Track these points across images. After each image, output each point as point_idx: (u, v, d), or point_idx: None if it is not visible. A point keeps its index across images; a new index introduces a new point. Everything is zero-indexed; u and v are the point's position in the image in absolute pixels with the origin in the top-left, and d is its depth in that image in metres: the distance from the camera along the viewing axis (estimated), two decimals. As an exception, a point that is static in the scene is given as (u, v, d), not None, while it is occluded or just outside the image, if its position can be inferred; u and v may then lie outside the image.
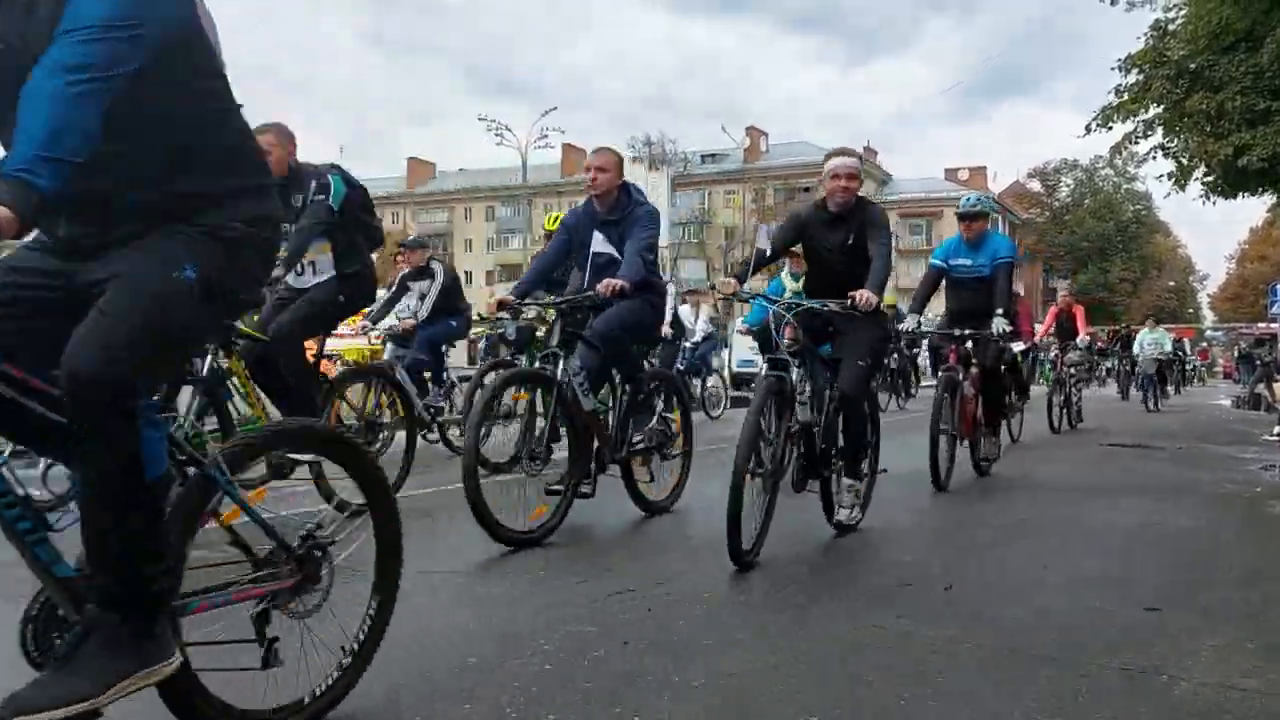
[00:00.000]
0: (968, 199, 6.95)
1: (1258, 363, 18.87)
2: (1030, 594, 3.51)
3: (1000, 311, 6.24)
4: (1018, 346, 8.93)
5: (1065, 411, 11.26)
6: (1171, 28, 13.00)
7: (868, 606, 3.29)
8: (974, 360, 6.61)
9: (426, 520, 4.49)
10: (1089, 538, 4.65)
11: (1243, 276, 62.77)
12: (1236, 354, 31.24)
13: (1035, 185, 66.32)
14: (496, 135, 34.79)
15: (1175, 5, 12.98)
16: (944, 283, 6.90)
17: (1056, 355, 11.74)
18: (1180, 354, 24.13)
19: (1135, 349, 17.70)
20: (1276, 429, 10.98)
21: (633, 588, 3.44)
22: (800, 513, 4.46)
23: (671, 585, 3.51)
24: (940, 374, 6.61)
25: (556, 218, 6.46)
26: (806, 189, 55.44)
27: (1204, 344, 42.75)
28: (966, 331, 6.47)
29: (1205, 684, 2.56)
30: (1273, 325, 24.82)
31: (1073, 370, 11.58)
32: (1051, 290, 68.64)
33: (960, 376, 6.40)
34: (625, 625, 3.00)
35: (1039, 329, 12.23)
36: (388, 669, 2.57)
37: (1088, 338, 12.49)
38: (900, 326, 7.53)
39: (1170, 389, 20.63)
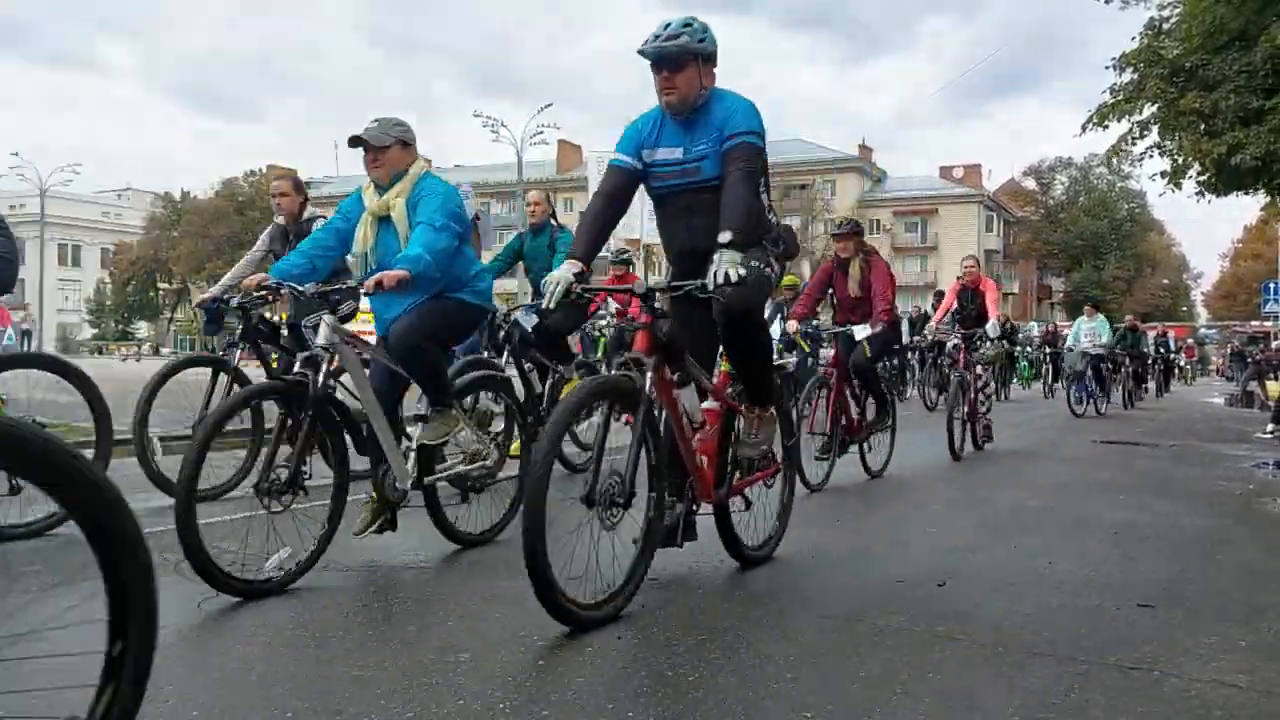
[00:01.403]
0: (663, 23, 3.43)
1: (1250, 360, 18.92)
2: (1023, 590, 3.52)
3: (728, 239, 3.11)
4: (861, 332, 6.12)
5: (969, 427, 8.08)
6: (1166, 26, 13.03)
7: (862, 604, 3.30)
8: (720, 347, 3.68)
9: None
10: (1082, 534, 4.67)
11: (1236, 274, 63.02)
12: (1229, 351, 31.25)
13: (1030, 183, 66.57)
14: (492, 132, 34.64)
15: (1169, 4, 13.02)
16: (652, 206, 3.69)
17: (956, 348, 8.64)
18: (1164, 350, 23.62)
19: (1069, 341, 14.52)
20: (1269, 426, 11.04)
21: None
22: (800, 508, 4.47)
23: (667, 583, 3.51)
24: (612, 371, 3.81)
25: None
26: (803, 187, 55.72)
27: (1190, 341, 42.44)
28: (659, 285, 3.32)
29: (1197, 681, 2.57)
30: (1266, 323, 24.90)
31: (980, 371, 8.51)
32: (1046, 288, 69.01)
33: (653, 374, 3.16)
34: (621, 622, 3.00)
35: (936, 310, 9.89)
36: (382, 662, 2.57)
37: (999, 324, 8.96)
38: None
39: (1153, 385, 20.42)
